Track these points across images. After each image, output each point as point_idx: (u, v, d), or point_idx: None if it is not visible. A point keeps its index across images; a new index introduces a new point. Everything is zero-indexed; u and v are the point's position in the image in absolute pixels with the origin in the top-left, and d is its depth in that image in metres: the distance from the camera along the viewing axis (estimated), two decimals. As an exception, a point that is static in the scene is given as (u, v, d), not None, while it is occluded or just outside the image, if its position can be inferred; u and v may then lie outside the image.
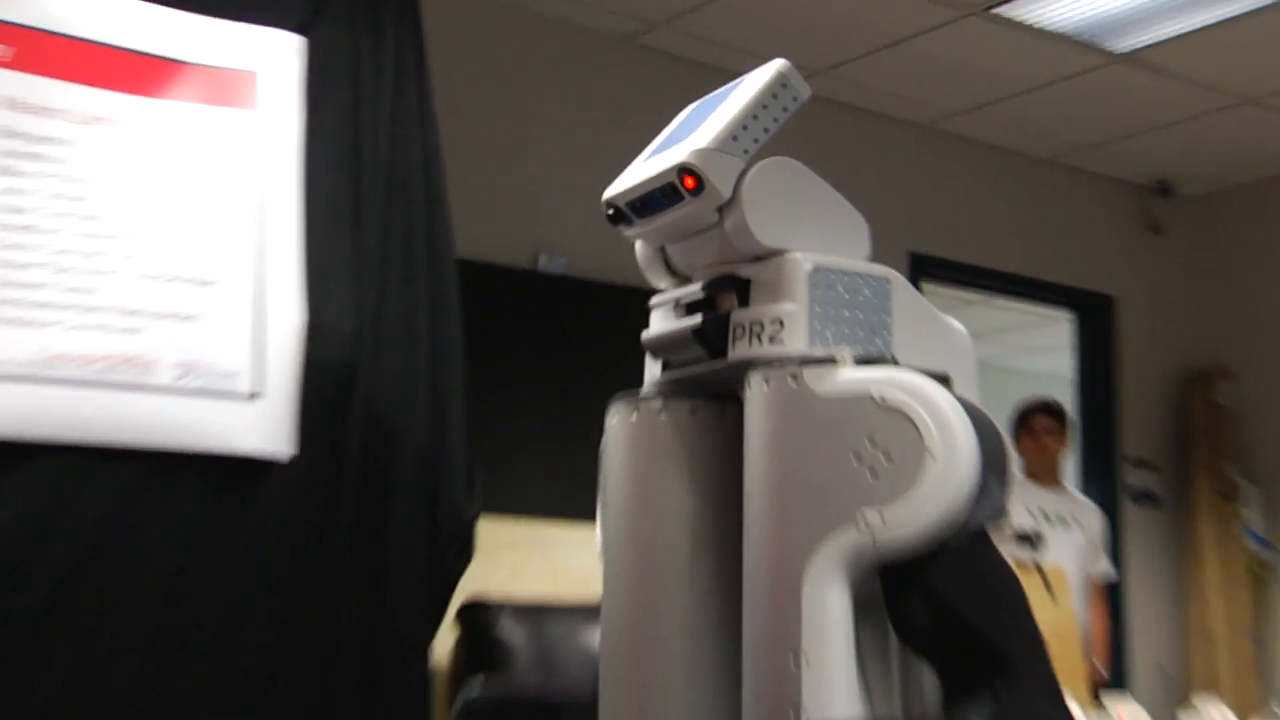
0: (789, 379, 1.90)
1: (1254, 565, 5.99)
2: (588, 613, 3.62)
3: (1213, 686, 5.84)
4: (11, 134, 2.82)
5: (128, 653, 2.77)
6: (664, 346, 2.15)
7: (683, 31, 4.74)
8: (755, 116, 1.98)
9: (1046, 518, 5.02)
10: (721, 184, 1.95)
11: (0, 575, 2.66)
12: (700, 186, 1.95)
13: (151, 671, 2.79)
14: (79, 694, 2.71)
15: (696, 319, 2.03)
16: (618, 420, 2.14)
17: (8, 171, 2.80)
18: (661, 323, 2.18)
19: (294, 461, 2.96)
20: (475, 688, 1.63)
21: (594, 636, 3.58)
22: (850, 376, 1.87)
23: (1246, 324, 6.18)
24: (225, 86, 3.07)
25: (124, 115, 2.95)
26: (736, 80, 2.08)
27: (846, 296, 1.95)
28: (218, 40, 3.08)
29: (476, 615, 3.53)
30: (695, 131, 2.00)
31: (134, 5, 2.99)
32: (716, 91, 2.10)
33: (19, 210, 2.80)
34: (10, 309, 2.74)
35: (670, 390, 2.17)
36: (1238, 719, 3.51)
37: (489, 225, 4.32)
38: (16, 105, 2.83)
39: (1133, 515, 6.08)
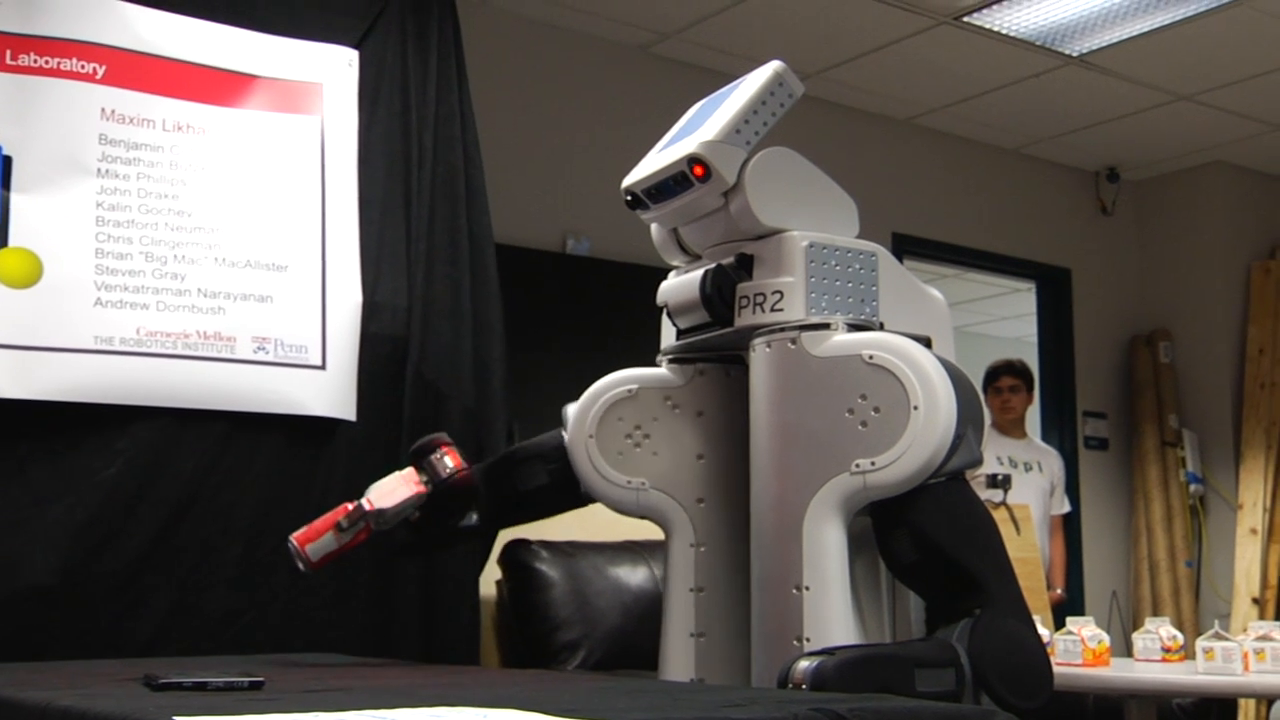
0: (788, 343, 1.88)
1: (1191, 501, 5.96)
2: (614, 550, 3.61)
3: (1158, 608, 5.82)
4: (109, 141, 2.80)
5: (218, 590, 2.78)
6: (679, 307, 2.11)
7: (690, 41, 4.70)
8: (755, 111, 1.95)
9: (1013, 463, 5.00)
10: (727, 171, 1.92)
11: (110, 522, 2.67)
12: (708, 174, 1.93)
13: (240, 606, 2.80)
14: (179, 625, 2.72)
15: (700, 273, 1.99)
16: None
17: (109, 174, 2.79)
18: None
19: (356, 422, 2.96)
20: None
21: (619, 571, 3.59)
22: (843, 340, 1.85)
23: (1183, 291, 6.13)
24: (293, 96, 3.05)
25: (207, 123, 2.93)
26: (738, 80, 2.05)
27: (839, 270, 1.93)
28: (286, 56, 3.06)
29: (518, 554, 3.52)
30: (702, 126, 1.97)
31: (212, 27, 2.97)
32: (721, 90, 2.07)
33: (118, 208, 2.79)
34: (112, 292, 2.74)
35: (682, 355, 2.15)
36: (1182, 636, 3.49)
37: (522, 213, 4.29)
38: (111, 116, 2.81)
39: (1087, 459, 6.05)
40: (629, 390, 2.11)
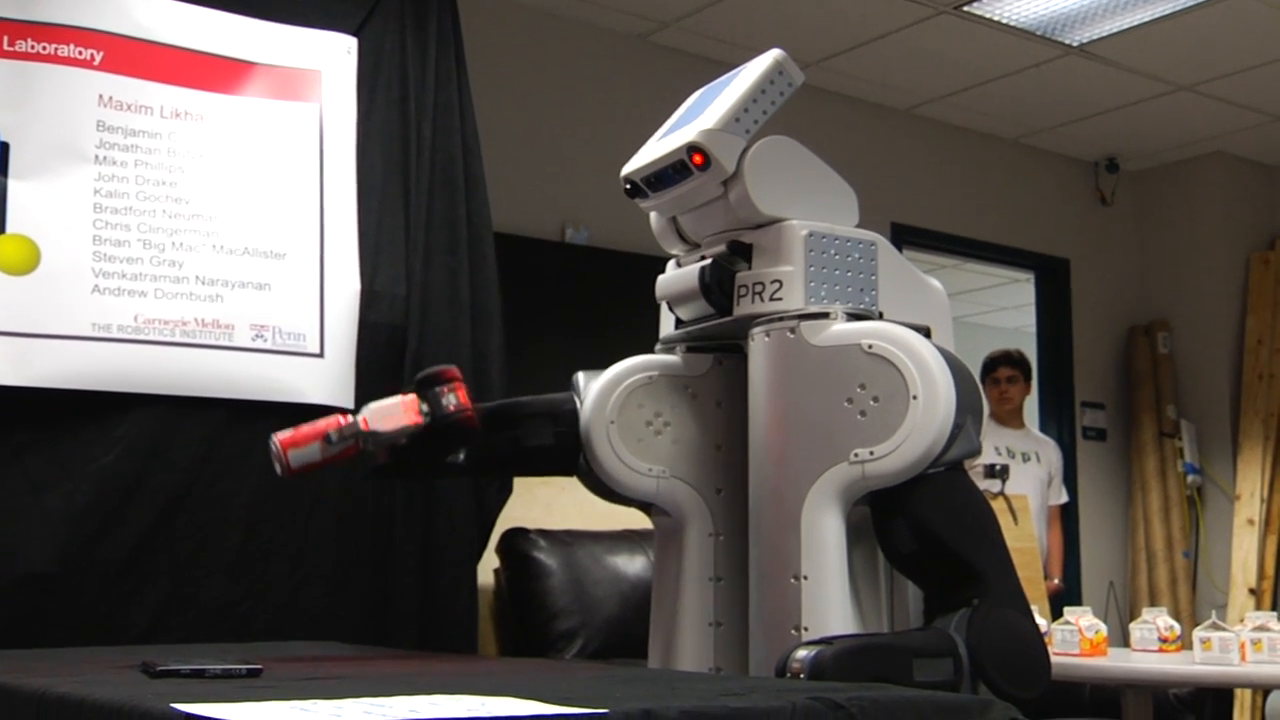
0: (787, 332, 1.87)
1: (1189, 492, 5.96)
2: (612, 539, 3.61)
3: (1155, 599, 5.83)
4: (107, 128, 2.79)
5: (216, 578, 2.78)
6: (677, 298, 2.10)
7: (689, 30, 4.69)
8: (755, 100, 1.94)
9: (1011, 454, 5.00)
10: (726, 160, 1.92)
11: (108, 510, 2.67)
12: (707, 162, 1.92)
13: (237, 594, 2.79)
14: (176, 614, 2.72)
15: (701, 265, 1.98)
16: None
17: (106, 161, 2.78)
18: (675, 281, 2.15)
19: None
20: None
21: (617, 560, 3.59)
22: (842, 329, 1.85)
23: (1182, 282, 6.13)
24: (291, 83, 3.04)
25: (205, 110, 2.92)
26: (738, 68, 2.04)
27: (838, 259, 1.92)
28: (284, 43, 3.05)
29: (516, 543, 3.52)
30: (702, 114, 1.97)
31: (211, 14, 2.96)
32: (720, 79, 2.06)
33: (116, 195, 2.79)
34: (110, 280, 2.73)
35: (697, 343, 2.15)
36: (1179, 626, 3.50)
37: (521, 202, 4.28)
38: (109, 102, 2.80)
39: (1086, 450, 6.05)
40: (649, 377, 2.08)
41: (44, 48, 2.74)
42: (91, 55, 2.79)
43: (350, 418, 1.97)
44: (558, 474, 2.20)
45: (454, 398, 2.00)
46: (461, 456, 2.08)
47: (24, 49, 2.72)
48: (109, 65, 2.81)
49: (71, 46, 2.77)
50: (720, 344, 2.11)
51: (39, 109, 2.72)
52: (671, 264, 2.16)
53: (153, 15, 2.89)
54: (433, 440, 2.01)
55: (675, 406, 2.08)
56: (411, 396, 2.01)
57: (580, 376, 2.15)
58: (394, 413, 1.98)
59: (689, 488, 2.05)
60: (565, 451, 2.10)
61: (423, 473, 2.34)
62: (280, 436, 1.94)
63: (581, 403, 2.10)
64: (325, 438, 1.94)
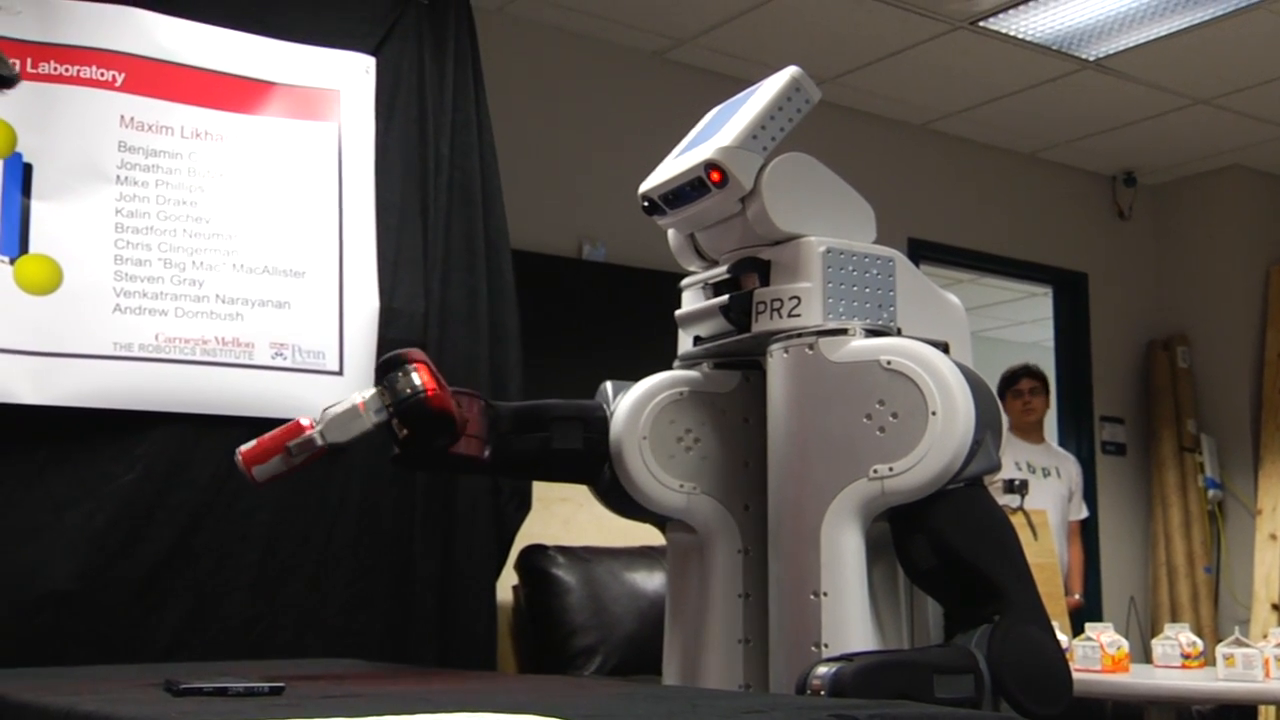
0: (806, 348, 1.87)
1: (1210, 507, 5.92)
2: (630, 556, 3.61)
3: (1177, 614, 5.79)
4: (128, 148, 2.82)
5: (236, 596, 2.78)
6: (695, 320, 2.12)
7: (705, 47, 4.70)
8: (772, 117, 1.95)
9: (1030, 469, 4.98)
10: (744, 177, 1.92)
11: (129, 528, 2.68)
12: (725, 180, 1.92)
13: (257, 612, 2.80)
14: (197, 631, 2.73)
15: (724, 299, 2.01)
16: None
17: (128, 181, 2.81)
18: (692, 301, 2.15)
19: (374, 429, 2.95)
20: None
21: (635, 576, 3.59)
22: (860, 345, 1.85)
23: (1201, 296, 6.10)
24: (310, 103, 3.06)
25: (225, 130, 2.95)
26: (755, 86, 2.05)
27: (856, 275, 1.92)
28: (303, 63, 3.07)
29: (535, 560, 3.52)
30: (719, 131, 1.97)
31: (230, 35, 2.98)
32: (737, 96, 2.07)
33: (137, 214, 2.81)
34: (131, 299, 2.75)
35: (698, 362, 2.15)
36: (1202, 642, 3.47)
37: (538, 219, 4.29)
38: (130, 123, 2.83)
39: (1105, 465, 6.02)
40: (680, 393, 2.08)
41: (66, 69, 2.77)
42: (113, 76, 2.81)
43: (310, 426, 1.92)
44: (579, 481, 2.18)
45: (414, 378, 1.91)
46: (487, 453, 2.04)
47: (47, 71, 2.75)
48: (130, 86, 2.83)
49: (93, 68, 2.80)
50: (741, 360, 2.12)
51: (61, 130, 2.74)
52: (687, 280, 2.16)
53: (173, 36, 2.91)
54: (412, 428, 1.93)
55: (704, 423, 2.07)
56: (371, 393, 1.94)
57: (609, 386, 2.14)
58: (351, 419, 1.92)
59: (718, 504, 2.05)
60: (593, 458, 2.08)
61: (436, 465, 2.23)
62: (243, 450, 1.91)
63: (611, 412, 2.09)
64: (286, 450, 1.91)
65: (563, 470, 2.19)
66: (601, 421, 2.08)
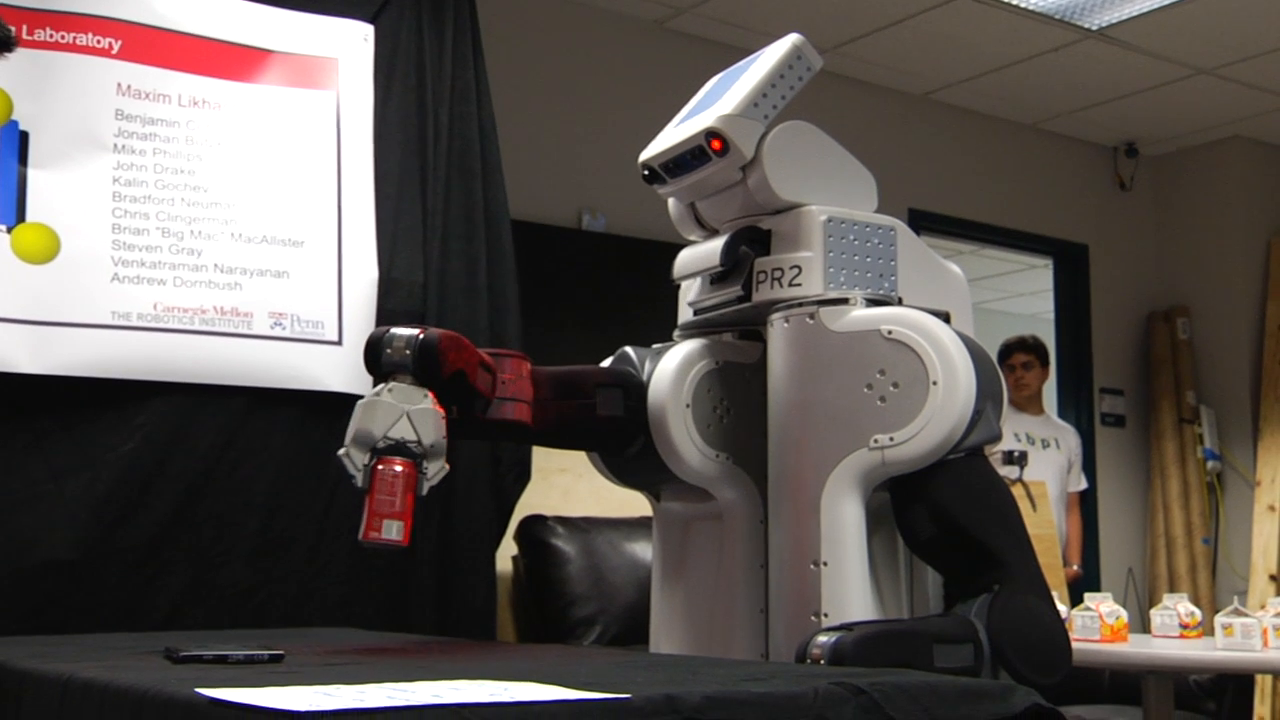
0: (807, 318, 1.87)
1: (1209, 478, 5.94)
2: (630, 526, 3.61)
3: (1175, 585, 5.81)
4: (125, 116, 2.80)
5: (236, 565, 2.79)
6: (692, 266, 2.06)
7: (705, 16, 4.67)
8: (774, 85, 1.93)
9: (1030, 440, 4.98)
10: (745, 145, 1.91)
11: (128, 497, 2.68)
12: (726, 148, 1.91)
13: (256, 581, 2.81)
14: (196, 600, 2.73)
15: (719, 248, 1.95)
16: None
17: (125, 149, 2.79)
18: (692, 288, 2.13)
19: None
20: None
21: (634, 546, 3.60)
22: (861, 315, 1.84)
23: (1201, 267, 6.09)
24: (308, 71, 3.04)
25: (223, 98, 2.93)
26: (756, 53, 2.03)
27: (857, 244, 1.91)
28: (301, 31, 3.05)
29: (534, 530, 3.53)
30: (720, 99, 1.96)
31: (228, 2, 2.96)
32: (738, 64, 2.05)
33: (135, 183, 2.79)
34: (129, 268, 2.74)
35: (697, 330, 2.14)
36: (1200, 612, 3.48)
37: (538, 189, 4.27)
38: (127, 91, 2.81)
39: (1104, 436, 6.02)
40: (716, 363, 2.04)
41: (63, 37, 2.75)
42: (110, 44, 2.79)
43: (410, 468, 1.83)
44: (611, 449, 2.11)
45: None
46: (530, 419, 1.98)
47: (43, 38, 2.73)
48: (127, 54, 2.81)
49: (90, 35, 2.78)
50: (742, 330, 2.11)
51: (58, 98, 2.72)
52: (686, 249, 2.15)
53: (170, 4, 2.89)
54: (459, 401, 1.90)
55: (734, 393, 2.05)
56: (411, 386, 1.88)
57: (631, 352, 2.09)
58: (431, 417, 1.84)
59: (746, 475, 2.03)
60: (633, 425, 2.02)
61: (478, 431, 2.12)
62: (373, 531, 1.80)
63: (646, 379, 2.04)
64: (417, 494, 1.82)
65: (600, 438, 2.12)
66: (640, 388, 2.03)
